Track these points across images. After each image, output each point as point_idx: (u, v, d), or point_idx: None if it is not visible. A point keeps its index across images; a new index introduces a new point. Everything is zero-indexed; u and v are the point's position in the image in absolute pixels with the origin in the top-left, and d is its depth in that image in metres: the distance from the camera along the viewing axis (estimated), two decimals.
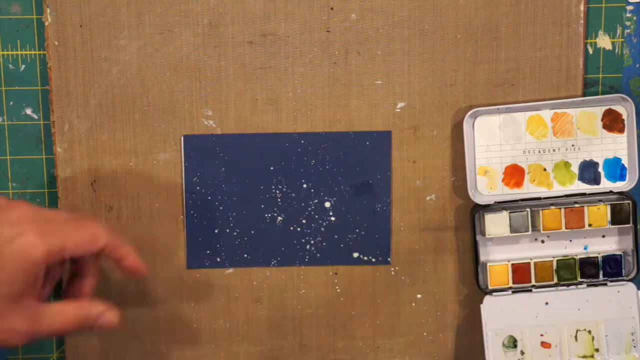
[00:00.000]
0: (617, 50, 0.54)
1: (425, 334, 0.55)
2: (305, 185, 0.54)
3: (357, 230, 0.54)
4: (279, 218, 0.54)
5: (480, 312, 0.54)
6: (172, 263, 0.54)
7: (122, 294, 0.54)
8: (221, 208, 0.54)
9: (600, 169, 0.53)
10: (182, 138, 0.53)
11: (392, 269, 0.55)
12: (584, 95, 0.53)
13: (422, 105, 0.53)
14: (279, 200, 0.54)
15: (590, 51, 0.54)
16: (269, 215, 0.54)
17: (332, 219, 0.54)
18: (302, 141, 0.53)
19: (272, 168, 0.53)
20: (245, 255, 0.54)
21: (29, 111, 0.54)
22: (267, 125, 0.53)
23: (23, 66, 0.53)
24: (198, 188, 0.53)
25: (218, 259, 0.54)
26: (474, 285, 0.54)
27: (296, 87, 0.53)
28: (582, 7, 0.52)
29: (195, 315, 0.55)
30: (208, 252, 0.54)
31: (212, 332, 0.55)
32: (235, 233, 0.54)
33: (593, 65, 0.54)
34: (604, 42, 0.54)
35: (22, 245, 0.41)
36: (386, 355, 0.56)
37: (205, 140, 0.53)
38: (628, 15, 0.53)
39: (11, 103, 0.53)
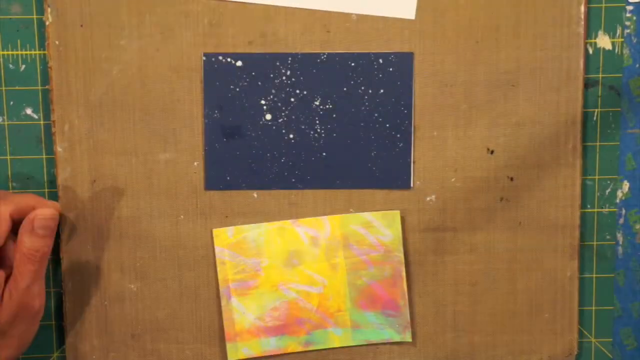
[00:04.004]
0: (617, 50, 0.54)
1: (425, 334, 0.55)
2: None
3: None
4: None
5: (480, 311, 0.54)
6: (171, 263, 0.54)
7: (122, 293, 0.54)
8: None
9: None
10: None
11: None
12: (584, 95, 0.54)
13: (422, 105, 0.53)
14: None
15: (590, 51, 0.54)
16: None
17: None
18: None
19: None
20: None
21: (29, 111, 0.54)
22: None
23: (23, 66, 0.53)
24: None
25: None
26: (474, 285, 0.54)
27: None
28: (582, 8, 0.52)
29: (195, 314, 0.55)
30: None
31: (212, 331, 0.55)
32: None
33: (593, 66, 0.54)
34: (603, 42, 0.54)
35: None
36: (386, 356, 0.56)
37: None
38: (628, 15, 0.54)
39: (11, 103, 0.53)
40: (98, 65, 0.52)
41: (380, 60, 0.53)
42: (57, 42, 0.52)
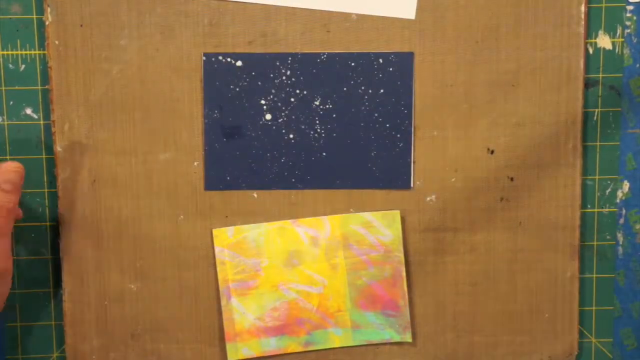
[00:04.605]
0: (617, 50, 0.54)
1: (425, 334, 0.55)
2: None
3: None
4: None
5: (480, 311, 0.54)
6: (171, 263, 0.54)
7: (122, 293, 0.54)
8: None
9: None
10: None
11: None
12: (585, 95, 0.54)
13: (422, 105, 0.53)
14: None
15: (591, 51, 0.54)
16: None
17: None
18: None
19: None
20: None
21: (29, 111, 0.54)
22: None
23: (23, 66, 0.53)
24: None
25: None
26: (474, 285, 0.54)
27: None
28: (582, 8, 0.52)
29: (195, 314, 0.55)
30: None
31: (212, 331, 0.55)
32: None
33: (593, 65, 0.54)
34: (604, 42, 0.54)
35: None
36: (386, 355, 0.56)
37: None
38: (628, 15, 0.54)
39: (11, 103, 0.53)
40: (98, 65, 0.52)
41: (380, 60, 0.53)
42: (57, 42, 0.52)
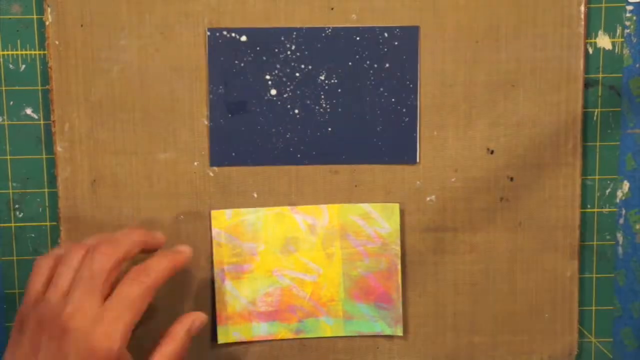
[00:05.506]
0: (617, 50, 0.54)
1: (425, 334, 0.55)
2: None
3: None
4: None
5: (480, 311, 0.54)
6: None
7: None
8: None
9: None
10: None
11: None
12: (584, 95, 0.54)
13: (423, 104, 0.53)
14: None
15: (590, 51, 0.54)
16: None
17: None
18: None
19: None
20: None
21: (29, 111, 0.54)
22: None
23: (23, 66, 0.53)
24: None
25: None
26: (474, 285, 0.54)
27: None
28: (582, 8, 0.52)
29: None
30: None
31: (212, 331, 0.55)
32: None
33: (593, 65, 0.54)
34: (603, 42, 0.54)
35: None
36: (386, 356, 0.56)
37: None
38: (628, 15, 0.54)
39: (11, 103, 0.53)
40: (98, 65, 0.52)
41: (386, 35, 0.52)
42: (57, 42, 0.52)
